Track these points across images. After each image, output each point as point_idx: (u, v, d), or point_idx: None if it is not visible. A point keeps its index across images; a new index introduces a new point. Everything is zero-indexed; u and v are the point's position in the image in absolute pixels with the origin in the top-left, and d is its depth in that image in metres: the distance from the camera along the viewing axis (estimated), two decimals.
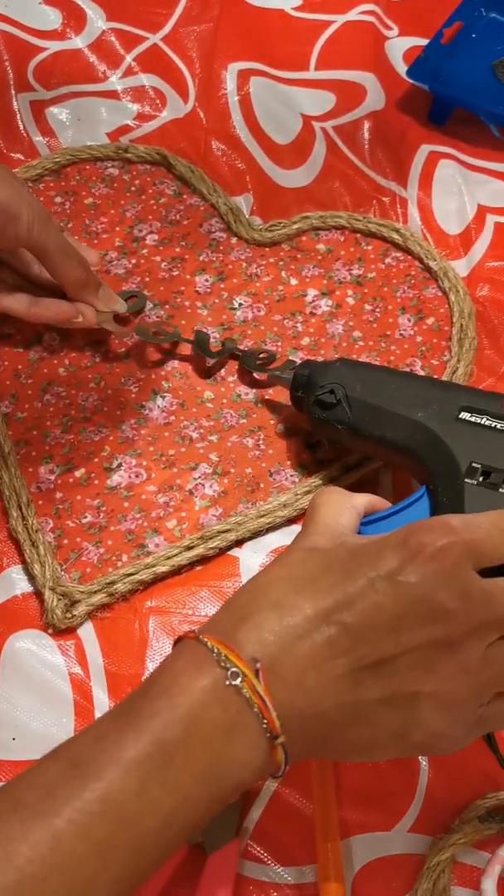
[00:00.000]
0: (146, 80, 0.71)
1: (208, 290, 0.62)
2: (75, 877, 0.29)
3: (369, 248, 0.64)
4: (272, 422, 0.57)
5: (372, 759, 0.36)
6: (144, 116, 0.69)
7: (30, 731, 0.47)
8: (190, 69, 0.71)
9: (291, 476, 0.55)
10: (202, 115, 0.69)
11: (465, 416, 0.47)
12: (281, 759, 0.33)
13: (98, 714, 0.48)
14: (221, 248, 0.64)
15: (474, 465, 0.45)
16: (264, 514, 0.53)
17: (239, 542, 0.53)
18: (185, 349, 0.59)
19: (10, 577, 0.51)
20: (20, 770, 0.32)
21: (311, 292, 0.62)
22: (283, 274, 0.63)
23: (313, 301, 0.62)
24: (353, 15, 0.75)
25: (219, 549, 0.52)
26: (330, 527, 0.38)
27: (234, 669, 0.32)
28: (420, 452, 0.47)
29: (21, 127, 0.68)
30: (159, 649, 0.50)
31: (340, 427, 0.50)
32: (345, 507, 0.40)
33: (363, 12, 0.75)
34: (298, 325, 0.61)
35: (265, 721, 0.32)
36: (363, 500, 0.41)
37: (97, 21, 0.73)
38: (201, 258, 0.63)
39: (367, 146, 0.69)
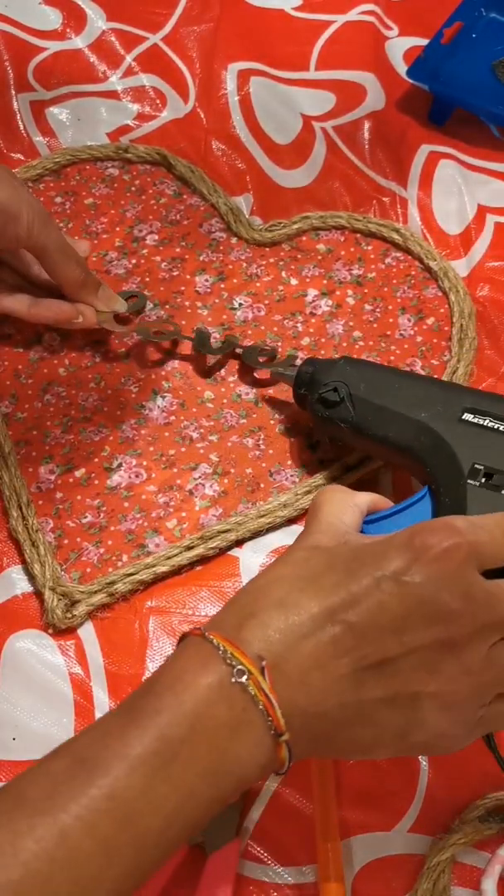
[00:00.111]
0: (146, 80, 0.71)
1: (208, 290, 0.62)
2: (81, 873, 0.29)
3: (369, 248, 0.64)
4: (272, 422, 0.57)
5: (373, 758, 0.36)
6: (144, 116, 0.69)
7: (30, 731, 0.47)
8: (190, 69, 0.71)
9: (292, 476, 0.55)
10: (202, 115, 0.69)
11: (468, 417, 0.47)
12: (285, 756, 0.33)
13: (98, 714, 0.48)
14: (221, 248, 0.64)
15: (477, 466, 0.45)
16: (264, 514, 0.53)
17: (239, 542, 0.53)
18: (186, 349, 0.59)
19: (10, 577, 0.51)
20: (20, 770, 0.32)
21: (312, 292, 0.62)
22: (284, 274, 0.63)
23: (313, 301, 0.62)
24: (353, 15, 0.75)
25: (219, 549, 0.52)
26: (333, 525, 0.38)
27: (239, 667, 0.32)
28: (423, 453, 0.47)
29: (21, 127, 0.68)
30: (159, 649, 0.50)
31: (343, 425, 0.50)
32: (348, 506, 0.40)
33: (363, 12, 0.75)
34: (298, 325, 0.61)
35: (270, 719, 0.32)
36: (366, 499, 0.41)
37: (97, 21, 0.73)
38: (201, 258, 0.63)
39: (367, 146, 0.69)
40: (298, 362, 0.54)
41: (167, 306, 0.61)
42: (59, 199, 0.65)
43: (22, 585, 0.51)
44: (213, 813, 0.32)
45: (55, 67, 0.70)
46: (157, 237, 0.64)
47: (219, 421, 0.57)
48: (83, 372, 0.58)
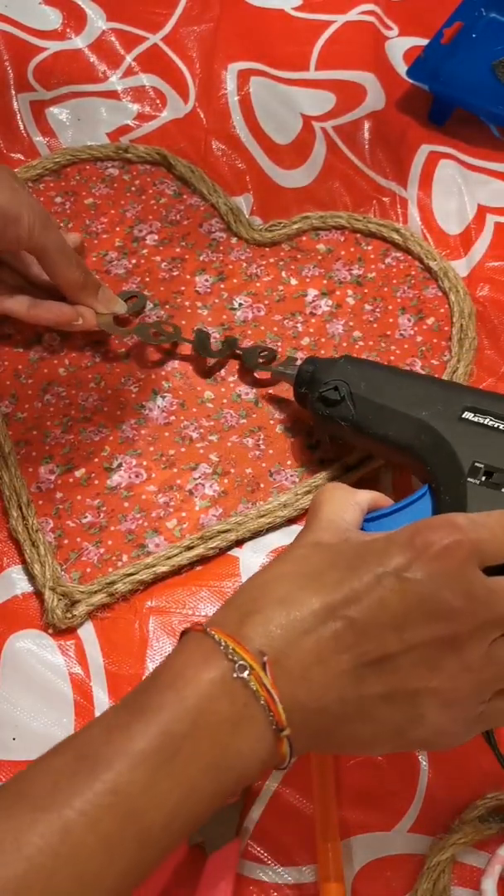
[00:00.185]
0: (146, 80, 0.71)
1: (208, 290, 0.62)
2: (83, 868, 0.29)
3: (369, 248, 0.64)
4: (272, 422, 0.57)
5: (372, 754, 0.36)
6: (144, 116, 0.69)
7: (30, 731, 0.47)
8: (190, 69, 0.71)
9: (291, 476, 0.55)
10: (202, 115, 0.69)
11: (468, 416, 0.47)
12: (286, 751, 0.33)
13: (98, 714, 0.48)
14: (221, 248, 0.64)
15: (477, 464, 0.45)
16: (264, 514, 0.53)
17: (239, 542, 0.53)
18: (185, 349, 0.59)
19: (10, 577, 0.51)
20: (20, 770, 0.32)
21: (312, 292, 0.62)
22: (284, 274, 0.63)
23: (313, 301, 0.62)
24: (353, 15, 0.75)
25: (219, 549, 0.52)
26: (334, 522, 0.38)
27: (241, 662, 0.32)
28: (423, 451, 0.47)
29: (21, 127, 0.68)
30: (159, 649, 0.50)
31: (344, 424, 0.50)
32: (348, 504, 0.40)
33: (363, 12, 0.75)
34: (298, 325, 0.61)
35: (271, 714, 0.32)
36: (367, 497, 0.42)
37: (97, 21, 0.73)
38: (201, 258, 0.63)
39: (367, 146, 0.69)
40: (298, 363, 0.54)
41: (167, 306, 0.61)
42: (59, 199, 0.65)
43: (22, 585, 0.51)
44: (215, 807, 0.32)
45: (55, 67, 0.70)
46: (157, 237, 0.64)
47: (219, 421, 0.57)
48: (83, 372, 0.58)
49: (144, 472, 0.55)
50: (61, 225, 0.63)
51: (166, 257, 0.63)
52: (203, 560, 0.52)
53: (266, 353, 0.58)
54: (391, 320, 0.61)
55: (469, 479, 0.45)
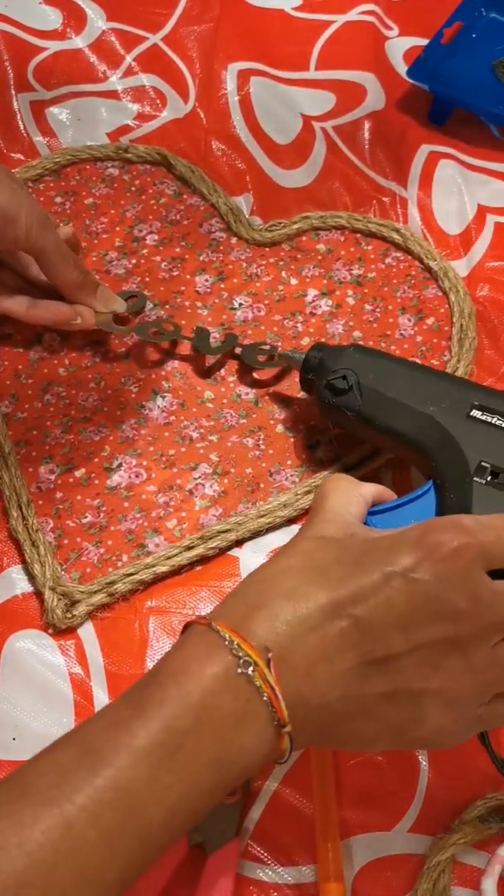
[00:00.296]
0: (146, 80, 0.71)
1: (208, 290, 0.62)
2: (85, 863, 0.29)
3: (369, 248, 0.64)
4: (272, 422, 0.57)
5: (372, 751, 0.37)
6: (144, 116, 0.69)
7: (30, 731, 0.47)
8: (190, 69, 0.71)
9: (291, 476, 0.55)
10: (202, 115, 0.69)
11: (476, 414, 0.47)
12: (286, 746, 0.33)
13: None
14: (221, 248, 0.64)
15: (483, 464, 0.45)
16: (264, 514, 0.53)
17: (239, 542, 0.53)
18: (185, 349, 0.59)
19: (10, 577, 0.51)
20: None
21: (312, 292, 0.62)
22: (284, 274, 0.63)
23: (313, 301, 0.62)
24: (353, 15, 0.75)
25: (219, 549, 0.52)
26: (339, 515, 0.38)
27: (245, 658, 0.32)
28: (429, 447, 0.47)
29: (21, 127, 0.68)
30: (159, 649, 0.50)
31: (350, 414, 0.50)
32: (353, 496, 0.40)
33: (363, 12, 0.75)
34: (298, 325, 0.61)
35: (274, 710, 0.32)
36: (371, 490, 0.42)
37: (97, 21, 0.73)
38: (201, 258, 0.63)
39: (367, 146, 0.69)
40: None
41: (167, 306, 0.61)
42: (59, 199, 0.65)
43: (22, 585, 0.51)
44: (216, 800, 0.32)
45: (55, 67, 0.70)
46: (157, 237, 0.64)
47: (219, 421, 0.57)
48: (83, 372, 0.58)
49: (144, 472, 0.55)
50: (60, 224, 0.63)
51: (166, 257, 0.63)
52: (203, 560, 0.52)
53: (265, 351, 0.58)
54: (391, 320, 0.61)
55: (475, 479, 0.44)
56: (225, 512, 0.54)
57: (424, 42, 0.71)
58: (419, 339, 0.60)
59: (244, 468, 0.55)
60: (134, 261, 0.63)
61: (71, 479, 0.54)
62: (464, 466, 0.45)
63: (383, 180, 0.67)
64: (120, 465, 0.55)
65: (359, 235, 0.64)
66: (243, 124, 0.69)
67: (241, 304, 0.61)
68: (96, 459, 0.55)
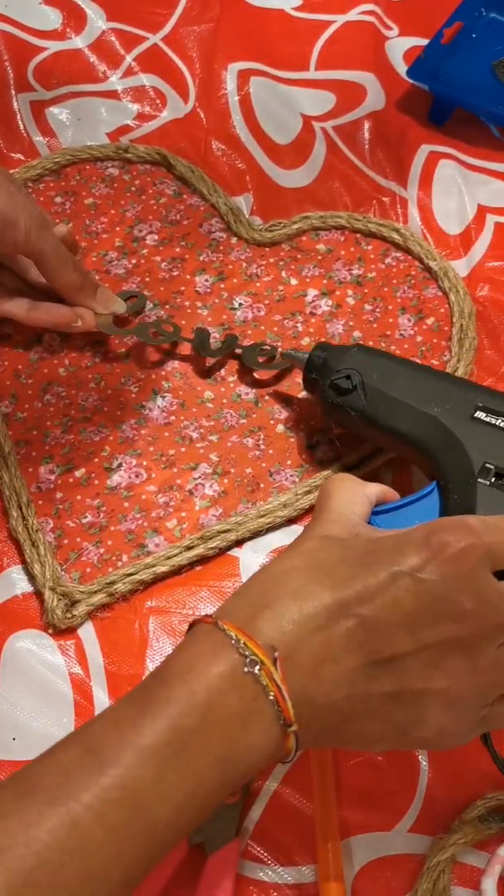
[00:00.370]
0: (146, 80, 0.71)
1: (208, 290, 0.62)
2: (91, 862, 0.29)
3: (369, 248, 0.64)
4: (272, 422, 0.57)
5: (374, 751, 0.37)
6: (144, 116, 0.69)
7: (30, 731, 0.47)
8: (190, 69, 0.71)
9: (291, 476, 0.55)
10: (202, 115, 0.69)
11: (480, 415, 0.47)
12: (292, 745, 0.33)
13: (98, 714, 0.48)
14: (221, 248, 0.64)
15: (487, 465, 0.45)
16: (264, 514, 0.53)
17: (239, 542, 0.53)
18: (185, 349, 0.59)
19: (10, 577, 0.51)
20: None
21: (311, 292, 0.62)
22: (283, 274, 0.63)
23: (313, 301, 0.62)
24: (353, 15, 0.75)
25: (219, 549, 0.52)
26: (344, 514, 0.38)
27: (252, 657, 0.32)
28: (433, 448, 0.47)
29: (21, 127, 0.68)
30: (159, 649, 0.50)
31: (353, 413, 0.50)
32: (357, 496, 0.40)
33: (363, 12, 0.75)
34: (298, 325, 0.61)
35: (280, 709, 0.32)
36: (375, 489, 0.42)
37: (97, 21, 0.73)
38: (201, 258, 0.63)
39: (367, 146, 0.69)
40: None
41: (167, 306, 0.61)
42: (59, 199, 0.65)
43: (22, 585, 0.51)
44: (221, 798, 0.33)
45: (55, 67, 0.70)
46: (157, 237, 0.64)
47: (219, 421, 0.57)
48: (83, 372, 0.58)
49: (144, 472, 0.55)
50: (58, 223, 0.63)
51: (166, 257, 0.63)
52: (203, 560, 0.52)
53: (265, 352, 0.58)
54: (391, 320, 0.61)
55: (479, 480, 0.44)
56: (225, 512, 0.54)
57: (424, 42, 0.71)
58: (419, 339, 0.60)
59: (244, 468, 0.55)
60: (134, 261, 0.63)
61: (71, 479, 0.54)
62: (468, 468, 0.45)
63: (383, 180, 0.67)
64: (120, 465, 0.55)
65: (359, 235, 0.64)
66: (243, 124, 0.69)
67: (241, 304, 0.61)
68: (96, 459, 0.55)
